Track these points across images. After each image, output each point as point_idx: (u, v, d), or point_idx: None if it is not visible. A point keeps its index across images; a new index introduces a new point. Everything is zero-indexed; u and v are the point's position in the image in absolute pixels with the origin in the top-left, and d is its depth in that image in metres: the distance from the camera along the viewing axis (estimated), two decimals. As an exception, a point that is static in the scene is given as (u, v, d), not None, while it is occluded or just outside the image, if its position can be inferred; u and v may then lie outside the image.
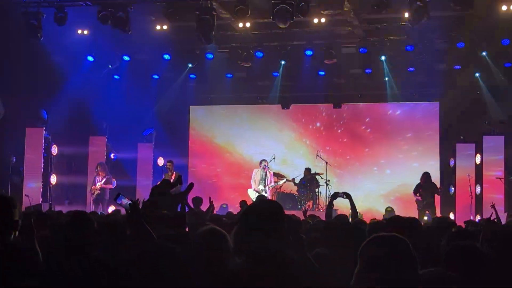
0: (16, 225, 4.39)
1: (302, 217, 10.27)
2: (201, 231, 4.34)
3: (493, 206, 12.46)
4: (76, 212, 5.44)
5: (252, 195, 18.52)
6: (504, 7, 14.28)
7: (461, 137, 19.71)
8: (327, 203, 9.35)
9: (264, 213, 4.01)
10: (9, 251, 4.12)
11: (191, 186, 11.55)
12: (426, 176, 18.06)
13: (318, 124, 21.80)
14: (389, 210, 18.51)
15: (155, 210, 8.62)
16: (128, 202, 5.52)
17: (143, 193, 20.68)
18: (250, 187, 18.96)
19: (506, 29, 16.82)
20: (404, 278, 3.17)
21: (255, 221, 3.97)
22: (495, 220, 10.69)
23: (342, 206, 13.58)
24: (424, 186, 17.87)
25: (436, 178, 19.03)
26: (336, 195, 9.46)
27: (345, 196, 9.15)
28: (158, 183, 13.26)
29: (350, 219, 8.87)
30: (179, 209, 10.79)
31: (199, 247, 4.09)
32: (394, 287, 3.14)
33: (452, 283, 3.83)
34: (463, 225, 9.83)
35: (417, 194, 17.91)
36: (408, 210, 17.60)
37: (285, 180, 19.28)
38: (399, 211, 17.34)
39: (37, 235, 4.52)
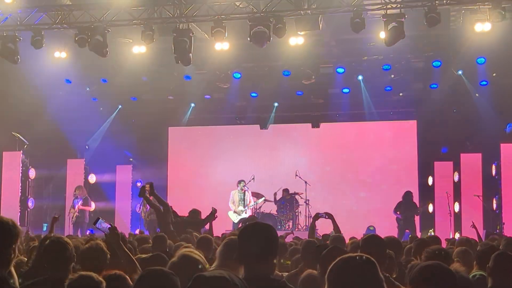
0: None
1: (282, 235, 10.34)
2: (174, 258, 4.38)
3: (473, 226, 12.38)
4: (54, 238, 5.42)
5: (233, 217, 18.42)
6: (478, 26, 14.39)
7: (443, 149, 19.84)
8: (310, 224, 9.36)
9: (262, 240, 4.05)
10: None
11: (213, 212, 12.73)
12: (407, 195, 18.15)
13: (296, 144, 21.78)
14: (371, 229, 18.54)
15: None
16: (108, 226, 5.53)
17: (122, 216, 20.64)
18: (229, 209, 18.74)
19: (480, 48, 17.00)
20: None
21: (250, 248, 4.01)
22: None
23: (321, 225, 13.53)
24: (405, 204, 17.94)
25: (415, 196, 19.08)
26: (317, 216, 9.45)
27: (327, 217, 9.15)
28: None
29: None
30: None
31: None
32: None
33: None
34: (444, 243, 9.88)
35: (398, 212, 17.96)
36: (393, 228, 17.66)
37: (263, 199, 19.13)
38: (382, 230, 17.33)
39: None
